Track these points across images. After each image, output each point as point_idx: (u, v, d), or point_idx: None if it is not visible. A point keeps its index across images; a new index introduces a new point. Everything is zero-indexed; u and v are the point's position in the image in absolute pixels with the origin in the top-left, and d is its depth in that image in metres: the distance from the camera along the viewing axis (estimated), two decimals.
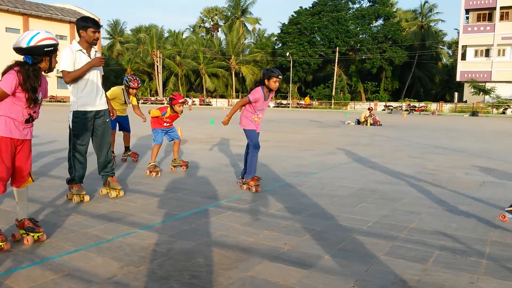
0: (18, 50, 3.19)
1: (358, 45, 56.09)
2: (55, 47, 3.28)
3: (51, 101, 51.02)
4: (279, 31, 62.06)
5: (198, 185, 5.63)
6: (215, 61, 65.54)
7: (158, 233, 3.59)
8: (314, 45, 57.42)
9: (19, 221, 3.31)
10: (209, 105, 57.05)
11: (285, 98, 59.45)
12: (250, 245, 3.33)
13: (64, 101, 50.37)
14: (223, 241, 3.42)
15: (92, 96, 4.53)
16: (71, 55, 4.42)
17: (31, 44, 3.15)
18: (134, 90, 7.19)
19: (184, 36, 72.47)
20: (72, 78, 4.41)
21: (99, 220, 3.91)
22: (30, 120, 3.25)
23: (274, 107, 52.56)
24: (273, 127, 17.77)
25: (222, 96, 66.17)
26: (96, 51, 4.63)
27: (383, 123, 20.63)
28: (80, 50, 4.47)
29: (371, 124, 19.75)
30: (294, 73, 57.42)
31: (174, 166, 6.67)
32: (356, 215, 4.26)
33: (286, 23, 60.74)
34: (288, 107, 52.43)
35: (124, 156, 7.59)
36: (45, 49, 3.20)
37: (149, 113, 6.56)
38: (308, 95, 58.82)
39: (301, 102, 54.32)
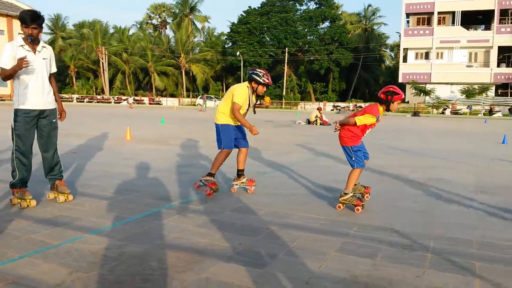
0: None
1: (306, 46, 57.34)
2: None
3: None
4: (229, 30, 62.03)
5: (149, 186, 5.51)
6: (164, 59, 64.29)
7: (108, 237, 3.46)
8: (264, 45, 58.01)
9: None
10: (159, 104, 55.90)
11: None
12: (204, 247, 3.30)
13: (2, 100, 47.33)
14: (176, 244, 3.36)
15: (36, 94, 4.27)
16: (9, 51, 4.16)
17: None
18: (265, 89, 5.22)
19: (130, 33, 70.38)
20: (4, 76, 4.16)
21: (44, 225, 3.71)
22: None
23: None
24: None
25: (172, 95, 65.07)
26: (43, 47, 4.36)
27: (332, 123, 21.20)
28: (22, 45, 4.21)
29: (320, 124, 20.23)
30: (245, 72, 57.66)
31: None
32: (309, 213, 4.35)
33: (236, 22, 60.83)
34: None
35: (235, 184, 5.36)
36: None
37: (354, 121, 4.52)
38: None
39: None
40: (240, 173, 5.37)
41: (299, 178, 6.35)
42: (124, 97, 55.43)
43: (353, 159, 4.64)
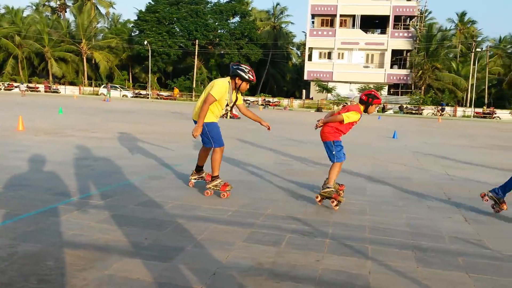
0: None
1: (217, 39, 57.30)
2: None
3: None
4: (136, 18, 59.45)
5: (45, 180, 5.09)
6: (63, 44, 59.48)
7: None
8: (173, 35, 56.65)
9: None
10: (56, 92, 51.75)
11: (145, 88, 57.46)
12: (107, 243, 3.16)
13: None
14: (76, 241, 3.16)
15: None
16: None
17: None
18: (248, 86, 4.88)
19: (25, 15, 63.96)
20: None
21: None
22: None
23: (132, 97, 50.36)
24: (130, 118, 17.03)
25: (72, 83, 60.58)
26: None
27: (242, 116, 21.50)
28: None
29: (230, 117, 20.41)
30: (153, 63, 55.86)
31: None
32: (218, 206, 4.37)
33: (143, 10, 58.49)
34: (148, 97, 50.78)
35: (195, 179, 5.29)
36: None
37: (341, 118, 4.64)
38: (168, 86, 57.97)
39: (161, 93, 53.12)
40: (199, 169, 5.25)
41: (207, 169, 6.35)
42: (16, 84, 50.32)
43: (334, 153, 4.69)
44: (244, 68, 4.71)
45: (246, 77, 4.69)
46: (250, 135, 12.57)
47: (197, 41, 55.23)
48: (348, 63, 51.44)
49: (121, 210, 4.04)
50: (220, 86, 4.63)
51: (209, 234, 3.47)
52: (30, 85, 52.43)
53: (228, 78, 4.77)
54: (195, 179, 5.25)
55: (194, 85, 55.82)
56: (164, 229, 3.54)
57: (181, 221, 3.78)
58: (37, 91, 50.23)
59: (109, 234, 3.36)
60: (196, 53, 56.05)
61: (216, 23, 58.22)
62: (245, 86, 4.78)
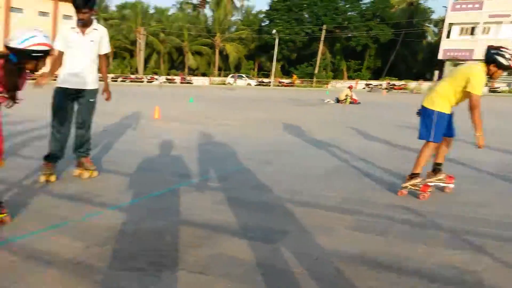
0: (6, 46, 2.99)
1: (346, 22, 55.76)
2: (45, 53, 3.04)
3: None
4: (268, 8, 61.10)
5: (170, 164, 5.61)
6: (200, 38, 64.45)
7: (126, 213, 3.57)
8: (301, 22, 56.83)
9: None
10: (190, 83, 56.39)
11: (267, 76, 59.14)
12: (219, 223, 3.35)
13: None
14: (192, 220, 3.43)
15: (76, 74, 4.39)
16: (62, 33, 4.39)
17: (21, 46, 2.95)
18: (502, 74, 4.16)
19: (170, 13, 70.90)
20: (53, 63, 4.40)
21: (66, 201, 3.86)
22: None
23: (255, 85, 52.28)
24: (251, 105, 17.72)
25: (204, 74, 65.41)
26: (95, 29, 4.44)
27: (362, 101, 20.74)
28: (73, 27, 4.35)
29: (350, 103, 19.83)
30: (278, 51, 56.97)
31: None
32: (327, 192, 4.31)
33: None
34: (269, 85, 52.21)
35: (431, 182, 4.35)
36: (33, 54, 2.99)
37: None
38: (289, 74, 58.66)
39: (282, 81, 54.09)
40: (437, 168, 4.43)
41: (318, 156, 6.29)
42: (155, 77, 56.18)
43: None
44: (504, 53, 3.90)
45: (506, 64, 3.90)
46: (365, 121, 12.06)
47: (324, 26, 54.45)
48: (494, 38, 45.51)
49: (235, 192, 4.24)
50: (481, 79, 3.93)
51: (315, 220, 3.45)
52: (168, 77, 57.99)
53: (482, 66, 4.01)
54: (432, 182, 4.32)
55: (316, 71, 55.49)
56: (272, 212, 3.63)
57: (289, 206, 3.81)
58: (173, 83, 55.31)
59: (221, 215, 3.55)
60: (322, 38, 55.37)
61: (347, 6, 56.49)
62: (500, 73, 4.00)
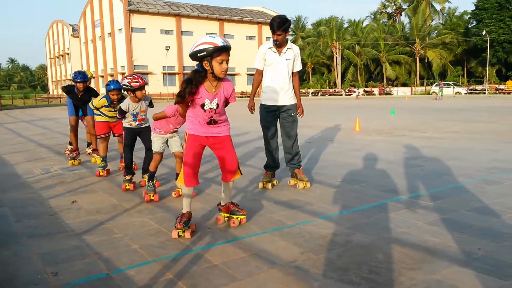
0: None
1: None
2: (208, 52, 3.03)
3: (241, 97, 56.55)
4: (473, 8, 54.82)
5: (376, 177, 5.45)
6: (397, 47, 62.13)
7: (336, 223, 3.61)
8: None
9: (223, 206, 3.68)
10: (389, 94, 54.51)
11: (481, 83, 52.43)
12: (435, 246, 3.06)
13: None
14: (404, 239, 3.23)
15: (275, 91, 4.80)
16: (260, 53, 4.82)
17: (191, 50, 3.13)
18: None
19: (364, 25, 70.85)
20: (254, 80, 4.93)
21: (281, 207, 4.16)
22: (211, 122, 3.35)
23: (466, 93, 46.96)
24: (463, 116, 15.91)
25: (404, 84, 62.41)
26: (289, 48, 4.77)
27: None
28: (270, 48, 4.78)
29: None
30: (492, 54, 50.10)
31: None
32: None
33: None
34: (484, 93, 46.06)
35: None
36: (198, 55, 3.06)
37: None
38: (508, 79, 50.58)
39: (500, 87, 47.05)
40: None
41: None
42: (354, 89, 56.43)
43: None
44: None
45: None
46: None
47: None
48: None
49: (451, 214, 3.83)
50: None
51: None
52: (366, 89, 57.46)
53: None
54: None
55: None
56: (500, 242, 3.11)
57: None
58: (372, 94, 54.48)
59: (438, 237, 3.25)
60: None
61: None
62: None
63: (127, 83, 4.68)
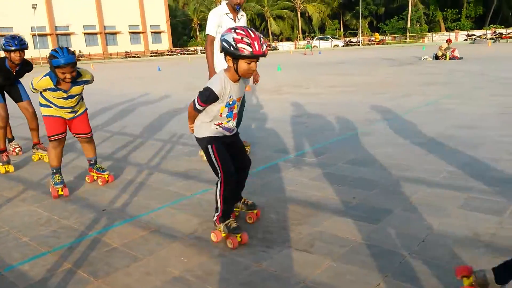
0: None
1: None
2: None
3: (126, 57, 53.33)
4: None
5: (267, 138, 5.76)
6: (280, 1, 63.44)
7: None
8: None
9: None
10: (275, 49, 56.07)
11: (355, 35, 56.56)
12: (318, 200, 3.42)
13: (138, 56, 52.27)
14: (293, 196, 3.53)
15: None
16: (214, 20, 4.49)
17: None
18: None
19: None
20: (207, 50, 4.61)
21: (178, 178, 4.21)
22: None
23: (343, 46, 50.38)
24: (341, 69, 17.22)
25: (288, 39, 64.60)
26: (242, 15, 4.59)
27: (465, 55, 19.04)
28: (226, 13, 4.49)
29: (450, 58, 18.32)
30: (364, 6, 53.98)
31: None
32: (430, 165, 4.14)
33: None
34: (359, 45, 49.94)
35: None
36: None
37: None
38: (379, 30, 55.35)
39: (372, 39, 51.38)
40: None
41: (419, 125, 5.99)
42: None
43: None
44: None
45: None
46: (470, 80, 11.09)
47: None
48: None
49: (331, 168, 4.26)
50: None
51: (420, 198, 3.35)
52: None
53: None
54: None
55: (408, 25, 51.71)
56: (372, 189, 3.59)
57: (391, 182, 3.75)
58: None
59: (320, 191, 3.62)
60: None
61: None
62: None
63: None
